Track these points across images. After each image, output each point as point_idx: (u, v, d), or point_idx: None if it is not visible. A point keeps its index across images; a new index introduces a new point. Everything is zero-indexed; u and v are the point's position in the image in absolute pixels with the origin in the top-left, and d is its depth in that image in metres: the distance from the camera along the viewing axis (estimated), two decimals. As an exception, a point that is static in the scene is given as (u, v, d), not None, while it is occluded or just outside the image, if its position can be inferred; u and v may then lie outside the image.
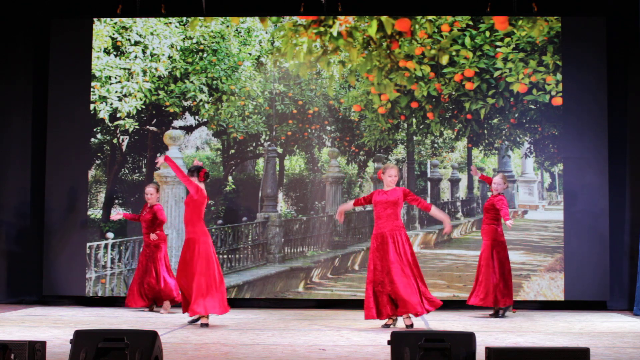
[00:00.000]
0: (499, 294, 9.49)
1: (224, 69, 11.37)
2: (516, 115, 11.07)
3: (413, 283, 8.37)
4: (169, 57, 11.33)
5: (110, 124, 11.31)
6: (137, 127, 11.36)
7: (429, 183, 12.05)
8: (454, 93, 11.10)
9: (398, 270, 8.37)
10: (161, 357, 5.51)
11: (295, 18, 11.10)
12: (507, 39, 11.00)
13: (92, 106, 11.20)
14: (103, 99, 11.23)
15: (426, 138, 11.57)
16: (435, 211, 8.74)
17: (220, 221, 11.27)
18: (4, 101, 11.22)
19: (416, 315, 8.44)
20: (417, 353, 5.30)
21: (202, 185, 8.67)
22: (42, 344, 5.55)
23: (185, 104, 11.35)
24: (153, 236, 10.00)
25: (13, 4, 11.25)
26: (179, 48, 11.38)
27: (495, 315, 9.59)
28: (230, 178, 11.59)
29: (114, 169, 11.48)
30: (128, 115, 11.26)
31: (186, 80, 11.32)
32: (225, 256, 11.18)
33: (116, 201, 11.43)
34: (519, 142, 11.30)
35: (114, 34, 11.30)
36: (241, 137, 11.38)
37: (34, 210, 11.12)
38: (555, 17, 10.94)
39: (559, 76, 10.90)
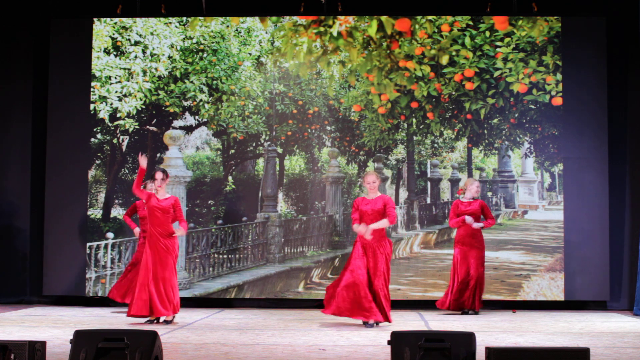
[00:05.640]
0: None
1: (224, 69, 11.36)
2: (516, 115, 11.06)
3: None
4: (169, 57, 11.32)
5: (110, 124, 11.31)
6: (137, 127, 11.36)
7: (429, 183, 12.05)
8: (454, 93, 11.10)
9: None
10: (161, 357, 5.51)
11: (295, 18, 11.10)
12: (507, 39, 10.99)
13: (92, 106, 11.20)
14: (103, 99, 11.23)
15: (426, 138, 11.56)
16: (383, 222, 8.53)
17: (220, 221, 11.27)
18: (4, 101, 11.22)
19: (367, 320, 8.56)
20: (417, 353, 5.30)
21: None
22: (42, 344, 5.55)
23: (185, 104, 11.34)
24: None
25: (13, 4, 11.25)
26: (179, 48, 11.37)
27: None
28: (230, 178, 11.59)
29: (114, 169, 11.48)
30: (128, 115, 11.26)
31: (186, 80, 11.32)
32: (225, 256, 11.18)
33: (116, 201, 11.43)
34: (519, 142, 11.30)
35: (114, 34, 11.29)
36: (241, 137, 11.38)
37: (34, 210, 11.11)
38: (555, 17, 10.94)
39: (559, 76, 10.90)
